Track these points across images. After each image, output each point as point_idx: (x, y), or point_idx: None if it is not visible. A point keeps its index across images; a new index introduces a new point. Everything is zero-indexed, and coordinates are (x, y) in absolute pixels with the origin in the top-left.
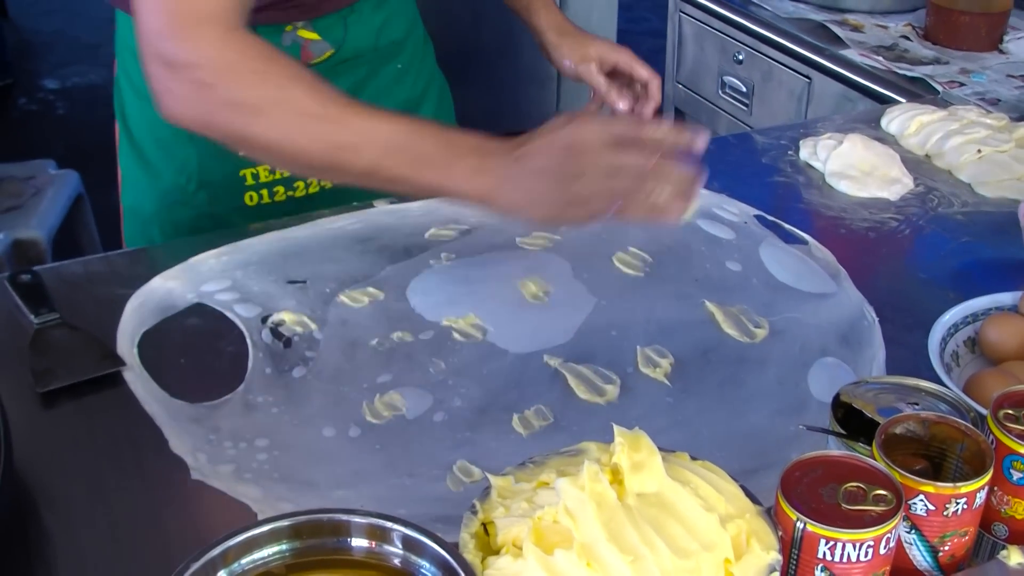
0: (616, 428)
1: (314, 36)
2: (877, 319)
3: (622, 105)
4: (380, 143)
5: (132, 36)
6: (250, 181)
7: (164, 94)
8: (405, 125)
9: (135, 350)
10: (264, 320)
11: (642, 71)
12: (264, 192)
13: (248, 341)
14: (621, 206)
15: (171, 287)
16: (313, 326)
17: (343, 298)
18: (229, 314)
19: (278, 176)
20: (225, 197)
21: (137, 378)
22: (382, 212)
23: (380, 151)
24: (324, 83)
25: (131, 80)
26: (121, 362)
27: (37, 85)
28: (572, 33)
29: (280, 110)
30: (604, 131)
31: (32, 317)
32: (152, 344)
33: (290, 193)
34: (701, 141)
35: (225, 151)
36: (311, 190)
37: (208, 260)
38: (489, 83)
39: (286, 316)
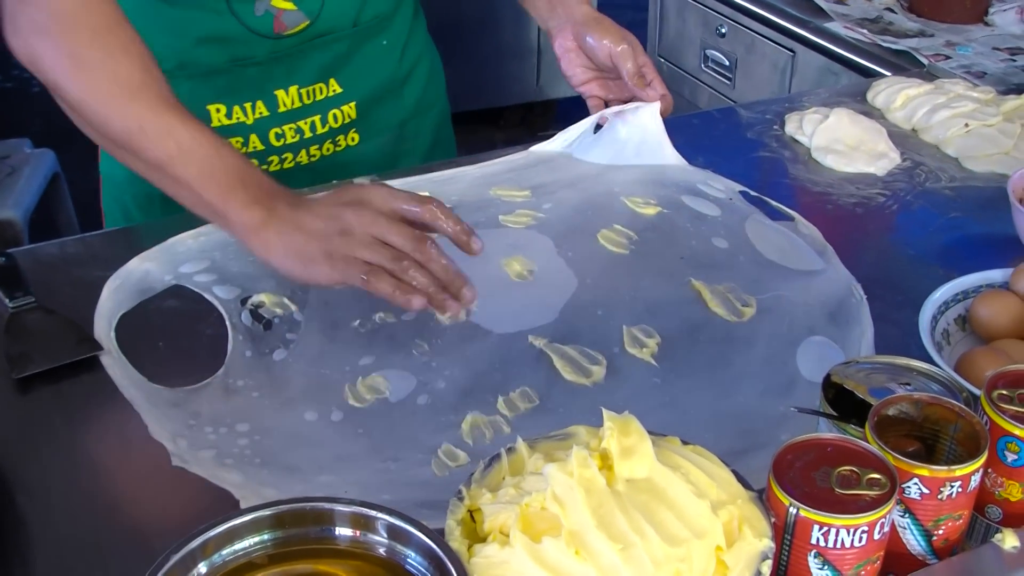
0: (605, 412)
1: (288, 5)
2: (865, 296)
3: (650, 95)
4: (178, 143)
5: None
6: None
7: (6, 21)
8: (210, 139)
9: (112, 334)
10: (243, 302)
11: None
12: None
13: (227, 323)
14: (367, 280)
15: (148, 268)
16: (293, 307)
17: None
18: (208, 296)
19: (251, 149)
20: None
21: (115, 362)
22: None
23: (175, 150)
24: (154, 64)
25: None
26: (98, 346)
27: (11, 63)
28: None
29: (100, 75)
30: (388, 200)
31: (7, 301)
32: (130, 327)
33: (264, 167)
34: (476, 246)
35: None
36: (286, 165)
37: (186, 240)
38: (469, 57)
39: (266, 298)
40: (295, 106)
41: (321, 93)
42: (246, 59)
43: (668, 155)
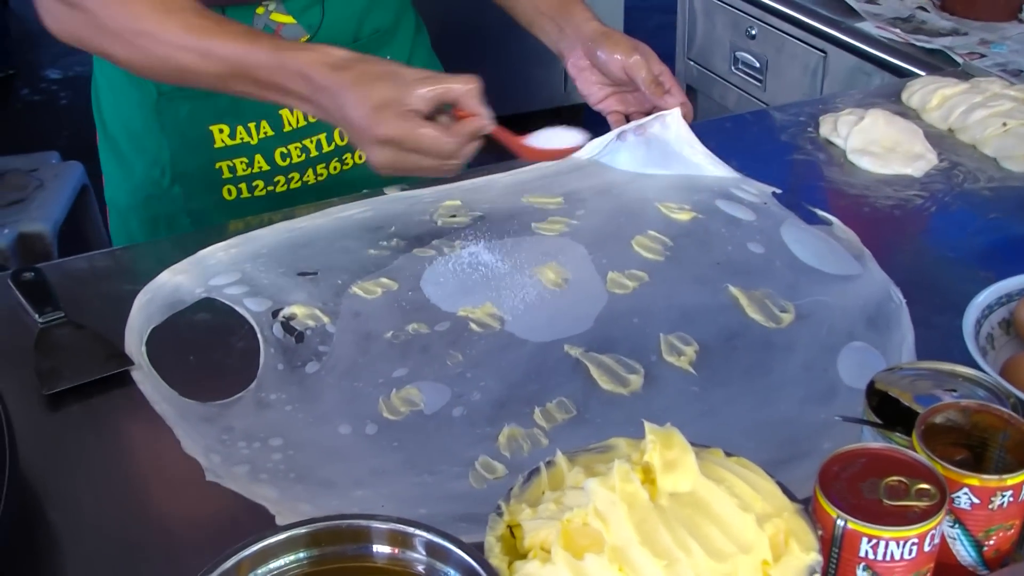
0: (647, 425)
1: (288, 19)
2: (904, 301)
3: (669, 103)
4: (222, 69)
5: None
6: (227, 175)
7: (43, 10)
8: (243, 48)
9: (143, 348)
10: (275, 314)
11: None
12: (243, 186)
13: (259, 336)
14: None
15: (179, 282)
16: (325, 319)
17: (356, 289)
18: (239, 308)
19: (256, 170)
20: (202, 191)
21: (146, 377)
22: (392, 199)
23: (225, 76)
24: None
25: (105, 74)
26: (129, 361)
27: (39, 75)
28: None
29: (138, 39)
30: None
31: (36, 316)
32: (161, 341)
33: (270, 188)
34: None
35: (200, 144)
36: (292, 185)
37: (217, 253)
38: (496, 63)
39: (297, 310)
40: (300, 124)
41: None
42: None
43: (700, 156)
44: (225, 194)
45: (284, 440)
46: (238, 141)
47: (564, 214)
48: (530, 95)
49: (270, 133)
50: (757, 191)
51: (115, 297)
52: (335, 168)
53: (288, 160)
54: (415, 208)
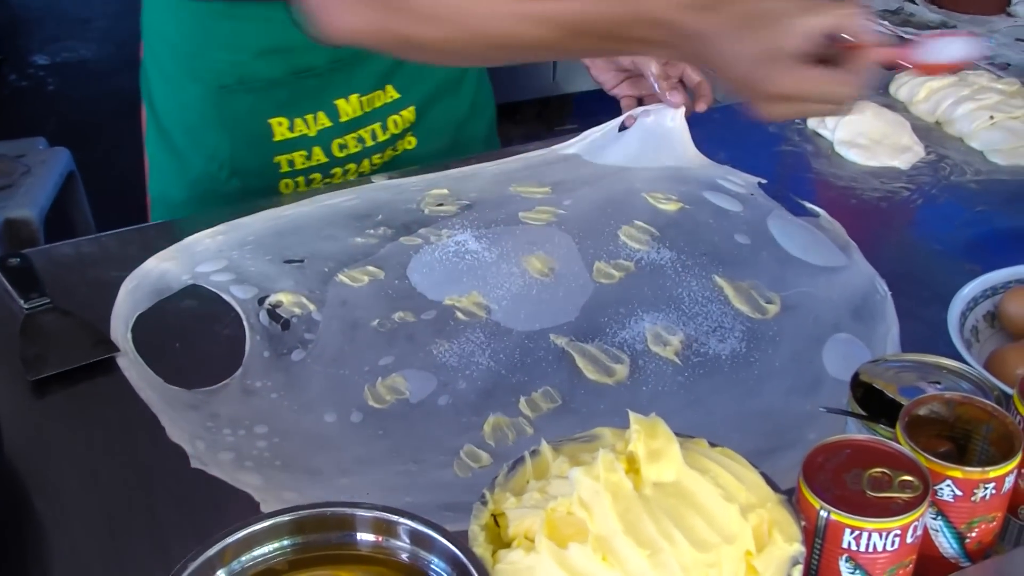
0: (632, 415)
1: None
2: (890, 292)
3: (674, 100)
4: (560, 33)
5: (160, 18)
6: (285, 168)
7: (328, 7)
8: (588, 3)
9: (129, 335)
10: (261, 302)
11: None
12: (300, 179)
13: (245, 324)
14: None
15: (165, 268)
16: (312, 307)
17: (342, 277)
18: (225, 296)
19: (314, 163)
20: (259, 185)
21: (131, 364)
22: (379, 187)
23: (564, 39)
24: None
25: (159, 64)
26: (115, 348)
27: (27, 61)
28: None
29: (455, 15)
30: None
31: (22, 302)
32: (146, 328)
33: (327, 180)
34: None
35: (259, 138)
36: (349, 176)
37: (203, 240)
38: None
39: (284, 297)
40: (356, 115)
41: (380, 100)
42: (306, 70)
43: (691, 157)
44: (282, 188)
45: (269, 427)
46: (297, 134)
47: (551, 204)
48: (519, 85)
49: (327, 124)
50: (744, 182)
51: (101, 283)
52: (388, 155)
53: (345, 151)
54: (402, 196)
